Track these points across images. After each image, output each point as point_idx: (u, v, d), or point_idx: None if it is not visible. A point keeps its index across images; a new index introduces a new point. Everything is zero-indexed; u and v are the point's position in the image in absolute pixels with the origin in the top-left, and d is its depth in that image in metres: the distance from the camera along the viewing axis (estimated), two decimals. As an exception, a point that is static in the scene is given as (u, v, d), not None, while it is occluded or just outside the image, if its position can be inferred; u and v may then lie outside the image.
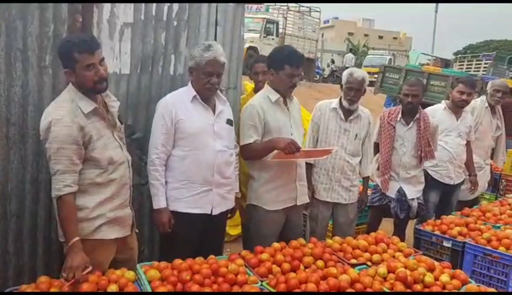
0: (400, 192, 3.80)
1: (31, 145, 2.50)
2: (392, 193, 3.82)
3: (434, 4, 34.39)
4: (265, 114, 2.91)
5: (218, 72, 2.67)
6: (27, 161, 2.51)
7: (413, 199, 3.82)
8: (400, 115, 3.84)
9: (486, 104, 4.68)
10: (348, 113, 3.45)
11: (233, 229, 4.37)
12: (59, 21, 2.49)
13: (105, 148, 2.27)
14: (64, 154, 2.12)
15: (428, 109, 4.30)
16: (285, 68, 2.90)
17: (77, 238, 2.13)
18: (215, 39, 3.11)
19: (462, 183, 4.36)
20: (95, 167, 2.25)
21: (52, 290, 2.10)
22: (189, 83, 2.76)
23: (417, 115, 3.81)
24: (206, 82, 2.66)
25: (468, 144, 4.33)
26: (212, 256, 2.57)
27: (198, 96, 2.70)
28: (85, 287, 2.10)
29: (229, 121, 2.86)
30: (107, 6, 2.66)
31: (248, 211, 3.10)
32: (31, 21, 2.40)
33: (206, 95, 2.72)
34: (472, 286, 2.43)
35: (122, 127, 2.49)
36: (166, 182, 2.69)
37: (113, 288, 2.14)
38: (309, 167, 3.36)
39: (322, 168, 3.42)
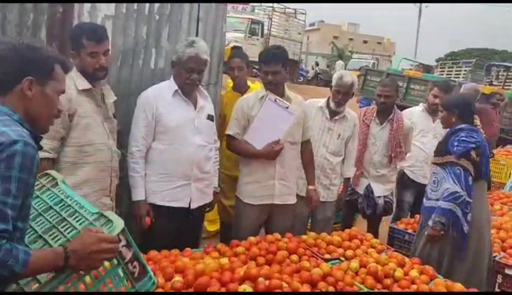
0: (368, 188, 3.88)
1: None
2: (361, 189, 3.90)
3: (417, 11, 34.98)
4: (250, 110, 2.98)
5: (199, 69, 2.70)
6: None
7: (379, 197, 3.89)
8: (375, 114, 3.93)
9: None
10: (334, 113, 3.52)
11: (211, 225, 4.38)
12: (39, 10, 2.49)
13: (87, 128, 2.33)
14: None
15: (406, 111, 4.42)
16: (261, 66, 2.98)
17: None
18: (197, 35, 3.14)
19: None
20: (71, 145, 2.30)
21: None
22: (171, 77, 2.78)
23: (391, 116, 3.89)
24: (187, 78, 2.68)
25: None
26: (188, 248, 2.60)
27: (179, 91, 2.73)
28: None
29: (210, 117, 2.89)
30: (88, -3, 2.67)
31: (235, 202, 3.19)
32: (11, 9, 2.39)
33: (186, 90, 2.75)
34: (440, 280, 2.51)
35: (114, 122, 2.54)
36: (145, 175, 2.71)
37: (87, 278, 2.14)
38: None
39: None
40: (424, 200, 3.17)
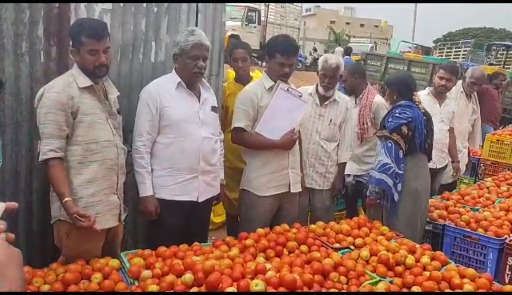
0: None
1: (9, 135, 2.46)
2: None
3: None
4: (259, 101, 2.93)
5: (203, 55, 2.67)
6: (6, 152, 2.46)
7: (349, 175, 3.85)
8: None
9: (462, 89, 4.78)
10: (323, 98, 3.46)
11: (217, 217, 4.38)
12: (35, 7, 2.44)
13: (91, 125, 2.30)
14: (51, 118, 2.19)
15: None
16: (276, 56, 2.91)
17: (68, 198, 2.17)
18: (196, 26, 3.09)
19: (445, 167, 4.43)
20: (77, 143, 2.28)
21: (35, 280, 2.08)
22: (173, 70, 2.74)
23: (361, 95, 3.87)
24: (194, 67, 2.65)
25: (450, 130, 4.40)
26: (196, 243, 2.58)
27: (183, 83, 2.69)
28: (67, 276, 2.08)
29: (214, 108, 2.86)
30: (85, -9, 2.61)
31: (240, 196, 3.14)
32: (6, 7, 2.34)
33: (193, 81, 2.72)
34: (452, 266, 2.49)
35: (119, 118, 2.51)
36: (151, 169, 2.68)
37: (97, 276, 2.13)
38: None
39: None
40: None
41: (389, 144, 3.15)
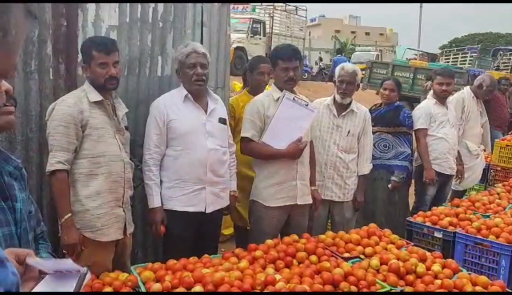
0: None
1: (19, 152, 2.49)
2: None
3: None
4: (266, 111, 2.94)
5: (200, 62, 2.71)
6: (16, 168, 2.49)
7: None
8: None
9: (473, 95, 4.79)
10: (341, 109, 3.44)
11: (226, 229, 4.37)
12: (43, 25, 2.49)
13: (99, 139, 2.37)
14: (61, 131, 2.26)
15: (423, 105, 4.44)
16: (278, 63, 2.94)
17: (69, 215, 2.26)
18: (201, 40, 3.14)
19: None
20: (84, 156, 2.34)
21: None
22: (181, 84, 2.79)
23: None
24: (192, 75, 2.70)
25: None
26: (206, 255, 2.58)
27: (189, 96, 2.74)
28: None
29: (222, 120, 2.88)
30: (91, 9, 2.66)
31: (250, 207, 3.14)
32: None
33: (196, 91, 2.75)
34: (464, 274, 2.46)
35: (127, 134, 2.57)
36: (161, 182, 2.73)
37: (108, 290, 2.13)
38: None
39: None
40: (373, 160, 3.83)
41: (409, 138, 4.13)
